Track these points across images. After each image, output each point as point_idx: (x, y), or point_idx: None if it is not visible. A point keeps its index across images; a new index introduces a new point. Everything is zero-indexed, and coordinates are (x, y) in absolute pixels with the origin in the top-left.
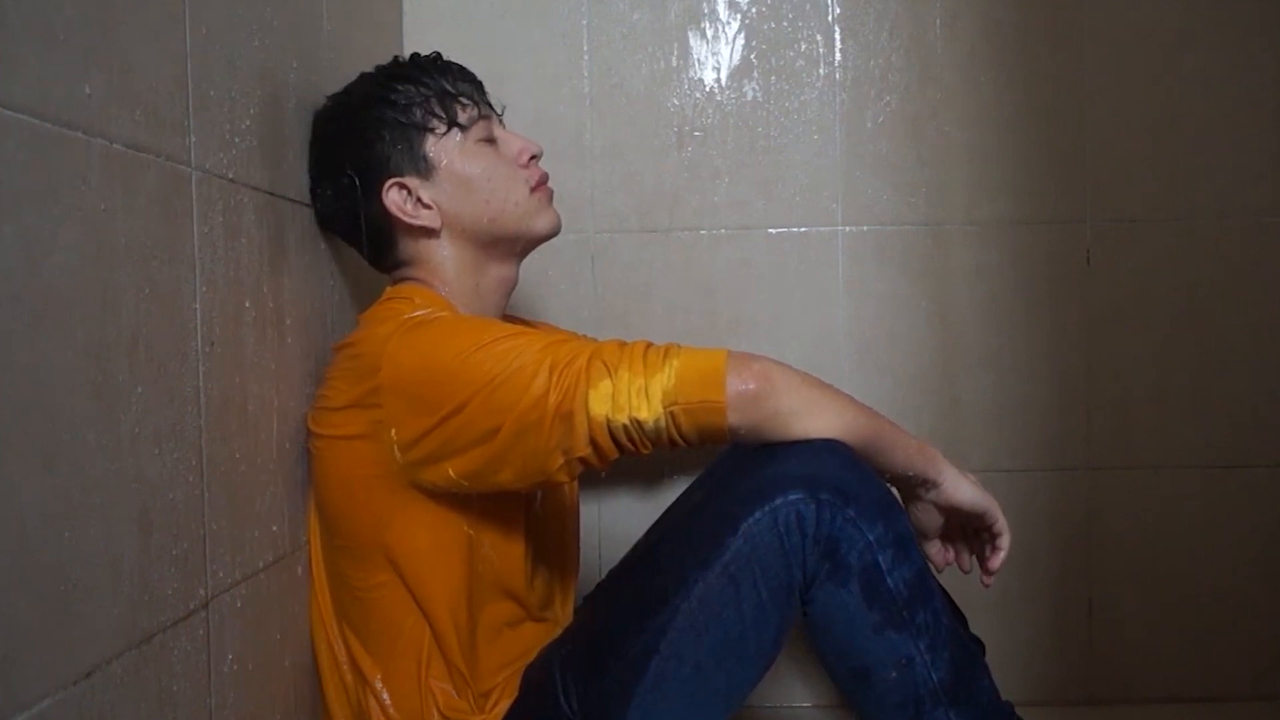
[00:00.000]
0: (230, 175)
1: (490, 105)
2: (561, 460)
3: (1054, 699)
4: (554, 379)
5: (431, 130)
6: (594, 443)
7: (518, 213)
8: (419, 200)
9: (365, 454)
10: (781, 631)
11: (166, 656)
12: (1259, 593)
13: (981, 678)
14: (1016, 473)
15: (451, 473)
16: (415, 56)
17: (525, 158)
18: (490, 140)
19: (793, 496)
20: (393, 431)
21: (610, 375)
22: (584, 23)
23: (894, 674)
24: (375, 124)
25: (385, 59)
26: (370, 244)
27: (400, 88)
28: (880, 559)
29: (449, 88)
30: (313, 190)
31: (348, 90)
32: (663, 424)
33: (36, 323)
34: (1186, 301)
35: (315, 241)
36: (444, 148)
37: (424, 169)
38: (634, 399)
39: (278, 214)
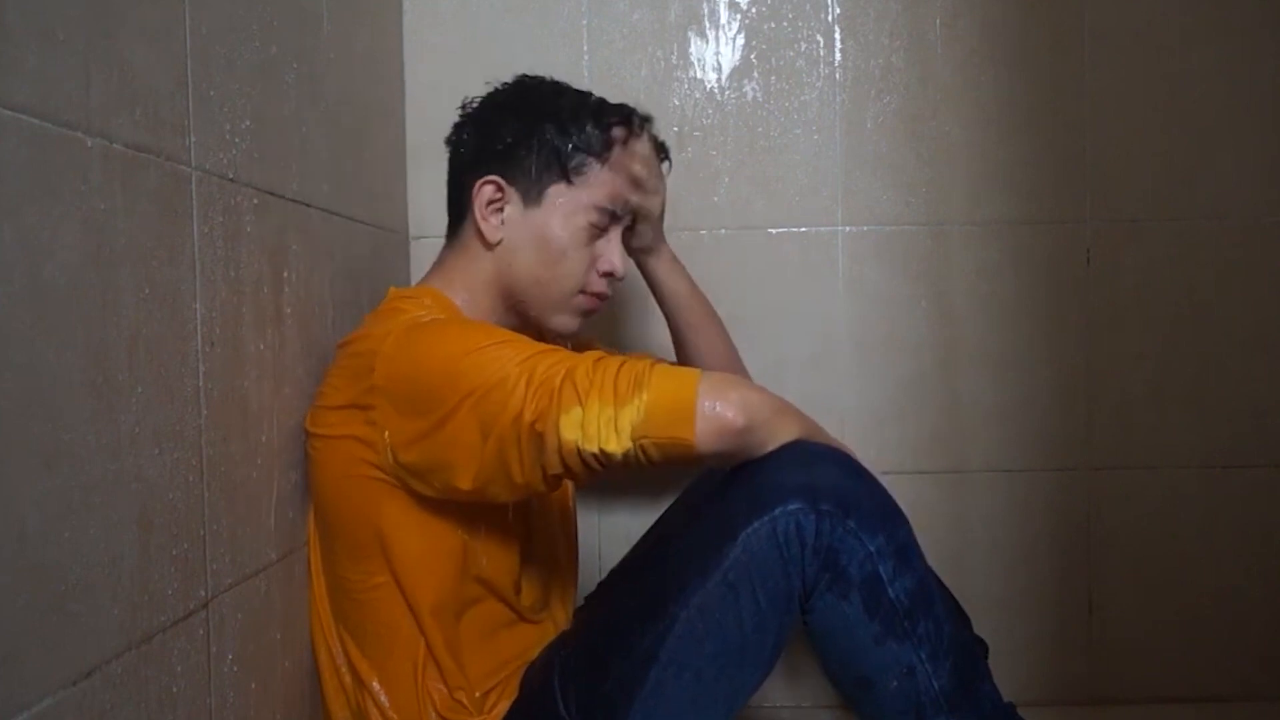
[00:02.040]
0: (230, 175)
1: (631, 210)
2: (541, 474)
3: (1054, 699)
4: (529, 395)
5: (570, 182)
6: (565, 464)
7: (551, 299)
8: (501, 210)
9: (361, 454)
10: (780, 639)
11: (166, 656)
12: (1259, 593)
13: (983, 683)
14: (1016, 473)
15: (442, 486)
16: (644, 123)
17: (603, 268)
18: (599, 231)
19: (792, 506)
20: (386, 434)
21: (580, 402)
22: (584, 23)
23: (895, 683)
24: (539, 123)
25: (385, 59)
26: (451, 201)
27: (589, 124)
28: (881, 570)
29: (632, 163)
30: (463, 120)
31: (560, 89)
32: (631, 455)
33: (36, 323)
34: (1186, 301)
35: (315, 241)
36: (560, 203)
37: (530, 198)
38: (603, 430)
39: (278, 214)
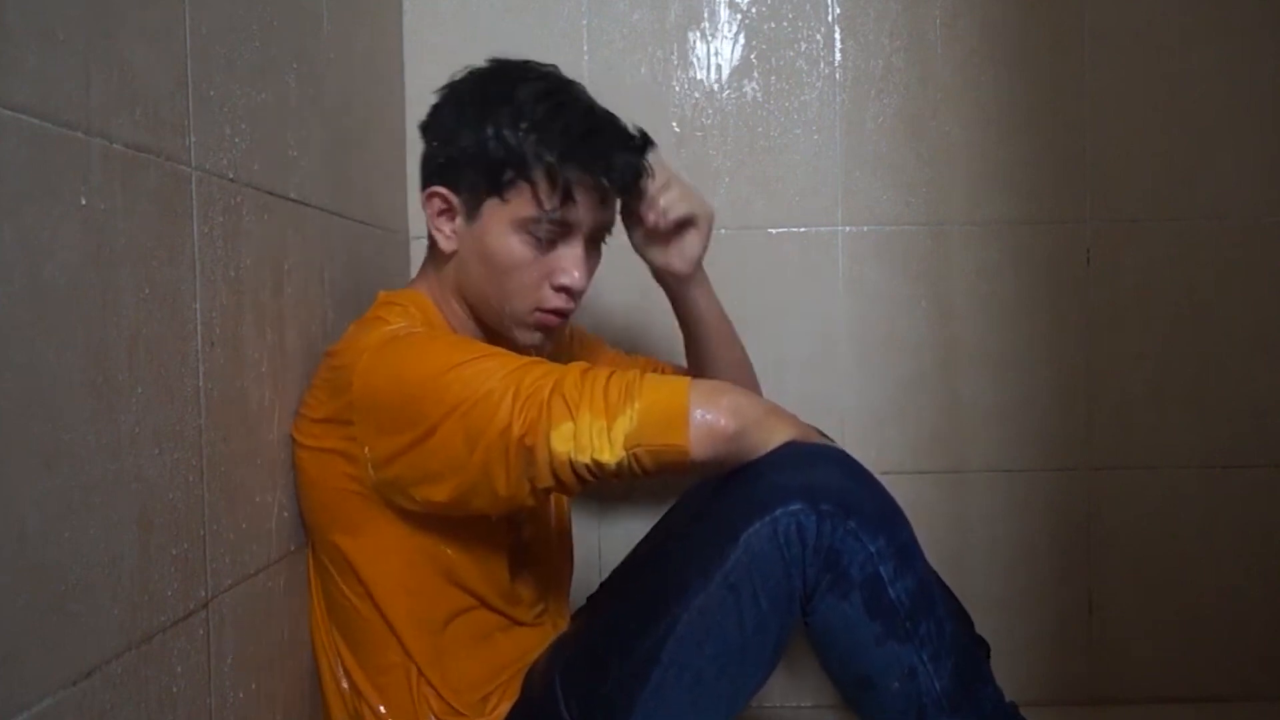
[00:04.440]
0: (230, 175)
1: (604, 220)
2: (528, 488)
3: (1054, 699)
4: (517, 409)
5: (502, 197)
6: (556, 476)
7: (504, 315)
8: (451, 220)
9: (341, 468)
10: (781, 640)
11: (166, 656)
12: (1259, 593)
13: (985, 683)
14: (1016, 473)
15: (422, 499)
16: (589, 115)
17: (557, 281)
18: (546, 243)
19: (793, 507)
20: (366, 449)
21: (572, 415)
22: (584, 23)
23: (897, 684)
24: (479, 129)
25: (385, 59)
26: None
27: (525, 134)
28: (882, 570)
29: (571, 177)
30: (431, 111)
31: (518, 80)
32: (625, 464)
33: (36, 323)
34: (1186, 301)
35: (315, 241)
36: (496, 217)
37: (470, 212)
38: (596, 440)
39: (278, 214)
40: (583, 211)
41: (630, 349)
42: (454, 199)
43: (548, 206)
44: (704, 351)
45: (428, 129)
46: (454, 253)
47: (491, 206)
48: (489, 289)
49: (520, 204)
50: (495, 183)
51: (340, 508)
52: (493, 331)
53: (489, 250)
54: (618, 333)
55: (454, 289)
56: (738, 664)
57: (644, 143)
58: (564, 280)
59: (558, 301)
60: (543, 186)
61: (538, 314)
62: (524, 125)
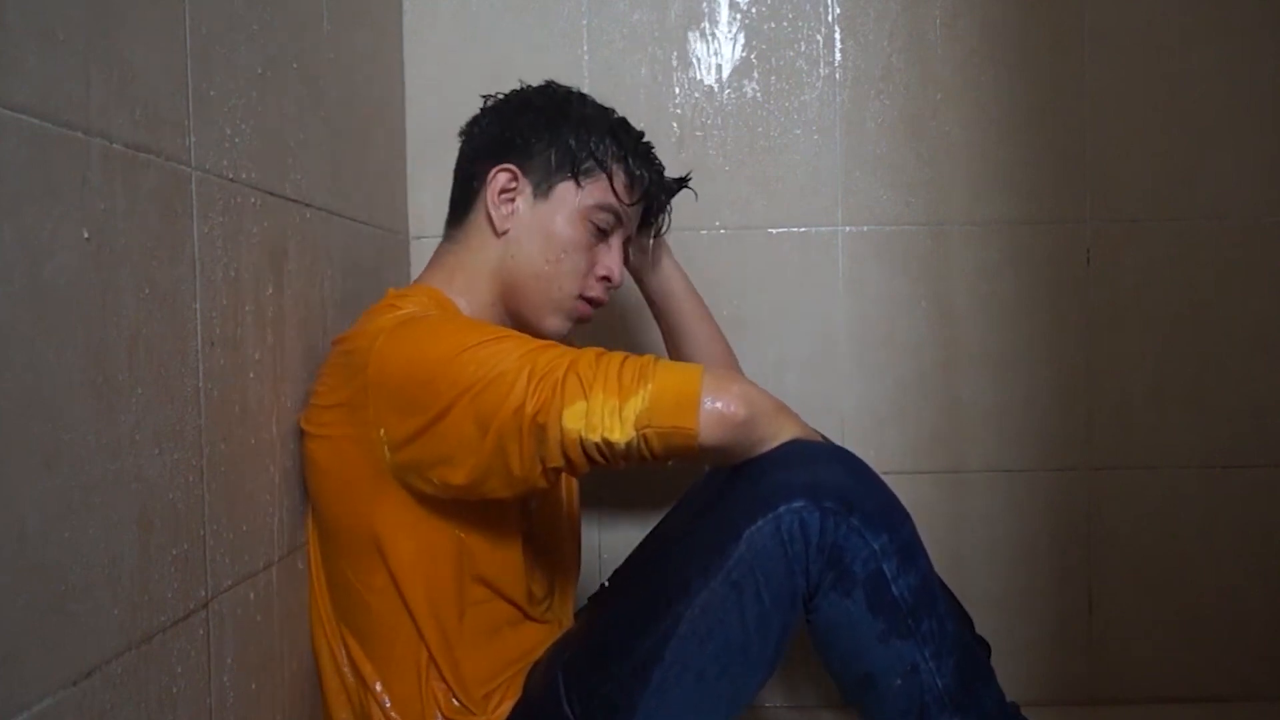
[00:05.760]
0: (230, 175)
1: (638, 229)
2: (540, 468)
3: (1054, 699)
4: (531, 388)
5: (577, 180)
6: (566, 455)
7: (550, 297)
8: (512, 200)
9: (355, 454)
10: (784, 639)
11: (166, 657)
12: (1259, 593)
13: (986, 682)
14: (1016, 473)
15: (439, 482)
16: (647, 148)
17: (600, 273)
18: (602, 234)
19: (796, 505)
20: (381, 431)
21: (585, 394)
22: (584, 23)
23: (899, 682)
24: (558, 125)
25: (385, 59)
26: (458, 190)
27: (603, 136)
28: (885, 568)
29: (644, 177)
30: (483, 111)
31: (584, 99)
32: (634, 444)
33: (36, 323)
34: (1186, 301)
35: (315, 241)
36: (567, 201)
37: (540, 191)
38: (607, 419)
39: (278, 214)
40: (635, 212)
41: (622, 336)
42: (523, 178)
43: (625, 198)
44: (676, 329)
45: (486, 116)
46: (504, 233)
47: (566, 189)
48: (543, 268)
49: (594, 191)
50: (573, 168)
51: (356, 496)
52: (518, 319)
53: (554, 229)
54: (614, 324)
55: (491, 271)
56: (740, 662)
57: (684, 181)
58: (605, 271)
59: (597, 291)
60: (620, 179)
61: (579, 301)
62: (599, 130)
